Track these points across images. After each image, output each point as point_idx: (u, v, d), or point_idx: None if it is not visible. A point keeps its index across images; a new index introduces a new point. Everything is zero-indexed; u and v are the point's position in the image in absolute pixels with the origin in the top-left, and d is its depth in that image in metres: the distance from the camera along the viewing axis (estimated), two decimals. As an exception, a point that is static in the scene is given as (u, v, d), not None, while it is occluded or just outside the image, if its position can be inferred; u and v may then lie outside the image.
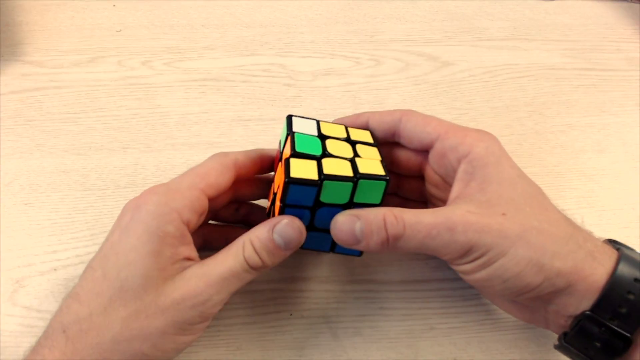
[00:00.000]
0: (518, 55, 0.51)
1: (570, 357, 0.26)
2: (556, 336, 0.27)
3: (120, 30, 0.50)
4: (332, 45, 0.50)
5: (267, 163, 0.31)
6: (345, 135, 0.29)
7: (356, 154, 0.27)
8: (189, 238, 0.26)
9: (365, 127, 0.31)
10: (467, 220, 0.24)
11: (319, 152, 0.26)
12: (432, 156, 0.29)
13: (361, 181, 0.26)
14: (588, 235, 0.26)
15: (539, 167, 0.41)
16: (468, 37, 0.52)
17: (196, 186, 0.27)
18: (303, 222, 0.26)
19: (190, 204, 0.26)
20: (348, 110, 0.44)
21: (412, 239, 0.25)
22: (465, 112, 0.45)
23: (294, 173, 0.25)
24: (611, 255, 0.25)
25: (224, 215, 0.33)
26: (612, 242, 0.27)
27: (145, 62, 0.47)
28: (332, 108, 0.44)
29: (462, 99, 0.46)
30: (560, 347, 0.26)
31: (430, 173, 0.31)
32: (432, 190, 0.31)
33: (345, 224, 0.26)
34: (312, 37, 0.51)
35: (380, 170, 0.26)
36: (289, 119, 0.29)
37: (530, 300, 0.26)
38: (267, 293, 0.33)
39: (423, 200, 0.33)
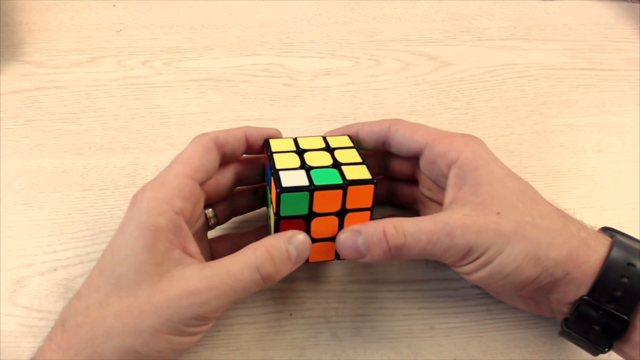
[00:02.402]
0: (518, 55, 0.51)
1: (574, 342, 0.27)
2: (556, 334, 0.27)
3: (120, 30, 0.50)
4: (332, 45, 0.50)
5: (253, 141, 0.30)
6: (323, 145, 0.30)
7: (335, 160, 0.28)
8: (186, 230, 0.26)
9: (355, 138, 0.31)
10: (464, 223, 0.25)
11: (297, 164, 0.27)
12: (423, 163, 0.30)
13: (349, 187, 0.26)
14: (581, 225, 0.27)
15: (539, 167, 0.41)
16: (468, 37, 0.52)
17: (181, 173, 0.26)
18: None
19: (180, 192, 0.26)
20: (348, 110, 0.44)
21: (414, 247, 0.26)
22: (465, 112, 0.45)
23: (285, 183, 0.26)
24: (604, 242, 0.26)
25: (243, 204, 0.33)
26: (608, 230, 0.28)
27: (145, 62, 0.47)
28: (332, 108, 0.44)
29: (462, 99, 0.46)
30: (563, 333, 0.27)
31: (423, 177, 0.32)
32: (426, 193, 0.32)
33: (348, 240, 0.26)
34: (312, 37, 0.51)
35: (367, 175, 0.27)
36: (267, 142, 0.30)
37: (533, 292, 0.26)
38: (267, 293, 0.33)
39: (417, 204, 0.34)
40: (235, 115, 0.43)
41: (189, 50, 0.48)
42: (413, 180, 0.33)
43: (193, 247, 0.26)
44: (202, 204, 0.28)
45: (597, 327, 0.25)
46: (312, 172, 0.27)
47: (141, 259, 0.24)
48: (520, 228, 0.25)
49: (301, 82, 0.46)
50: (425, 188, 0.32)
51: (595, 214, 0.38)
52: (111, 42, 0.49)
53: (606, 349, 0.26)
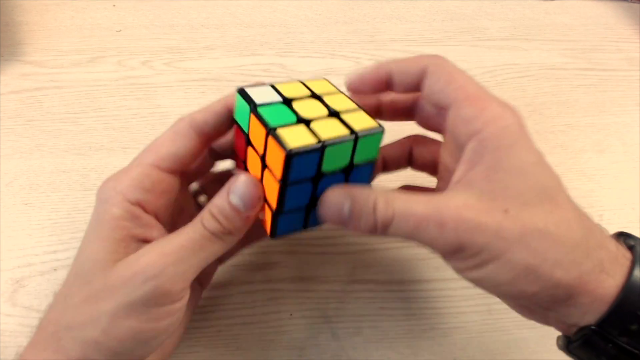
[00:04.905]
0: (518, 55, 0.51)
1: None
2: (556, 335, 0.26)
3: (120, 30, 0.50)
4: (332, 45, 0.50)
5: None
6: (308, 92, 0.27)
7: (331, 109, 0.25)
8: (147, 219, 0.24)
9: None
10: (460, 217, 0.22)
11: (293, 119, 0.24)
12: (449, 121, 0.25)
13: (361, 139, 0.23)
14: (601, 240, 0.23)
15: (539, 167, 0.41)
16: (468, 37, 0.52)
17: (144, 162, 0.25)
18: (300, 202, 0.24)
19: (138, 183, 0.24)
20: (348, 110, 0.44)
21: (401, 228, 0.23)
22: (465, 112, 0.45)
23: (293, 143, 0.22)
24: (624, 263, 0.22)
25: None
26: (624, 236, 0.24)
27: (145, 62, 0.47)
28: (332, 108, 0.44)
29: (462, 99, 0.46)
30: (563, 349, 0.25)
31: (448, 137, 0.27)
32: (445, 158, 0.27)
33: (334, 199, 0.24)
34: (312, 37, 0.51)
35: (372, 122, 0.24)
36: (242, 92, 0.26)
37: (529, 304, 0.24)
38: (267, 293, 0.33)
39: (435, 167, 0.29)
40: (236, 115, 0.43)
41: (189, 50, 0.48)
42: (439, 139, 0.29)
43: (157, 234, 0.25)
44: (173, 194, 0.26)
45: (603, 358, 0.22)
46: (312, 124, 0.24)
47: (95, 248, 0.23)
48: (526, 235, 0.21)
49: (301, 82, 0.46)
50: (446, 151, 0.27)
51: (596, 214, 0.38)
52: (111, 42, 0.49)
53: None
